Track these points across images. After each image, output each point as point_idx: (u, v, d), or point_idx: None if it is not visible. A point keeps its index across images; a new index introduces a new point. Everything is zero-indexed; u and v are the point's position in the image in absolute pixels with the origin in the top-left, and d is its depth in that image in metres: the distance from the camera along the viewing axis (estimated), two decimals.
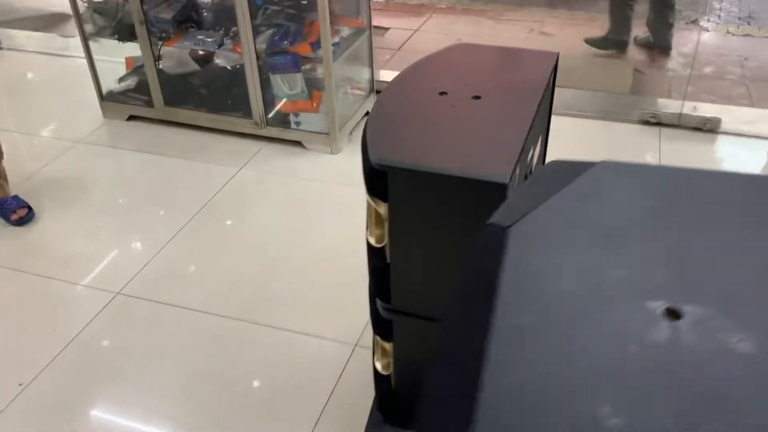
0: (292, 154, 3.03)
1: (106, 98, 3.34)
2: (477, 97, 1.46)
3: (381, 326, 1.51)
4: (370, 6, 3.09)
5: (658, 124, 3.10)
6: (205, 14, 3.11)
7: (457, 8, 5.32)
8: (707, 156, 2.97)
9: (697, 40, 4.43)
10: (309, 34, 2.83)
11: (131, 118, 3.32)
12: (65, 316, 2.21)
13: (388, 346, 1.55)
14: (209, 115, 3.18)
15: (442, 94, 1.49)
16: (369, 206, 1.42)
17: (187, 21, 3.07)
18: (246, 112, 3.07)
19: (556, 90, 1.68)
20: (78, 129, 3.27)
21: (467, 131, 1.35)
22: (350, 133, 3.12)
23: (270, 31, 2.92)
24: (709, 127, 3.05)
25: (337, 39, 2.83)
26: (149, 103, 3.24)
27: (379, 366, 1.62)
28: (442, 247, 1.32)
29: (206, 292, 2.28)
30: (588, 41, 4.11)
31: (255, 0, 2.77)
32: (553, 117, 1.77)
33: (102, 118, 3.34)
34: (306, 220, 2.63)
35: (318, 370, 1.98)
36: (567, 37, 4.56)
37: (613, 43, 4.10)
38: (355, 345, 2.05)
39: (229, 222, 2.63)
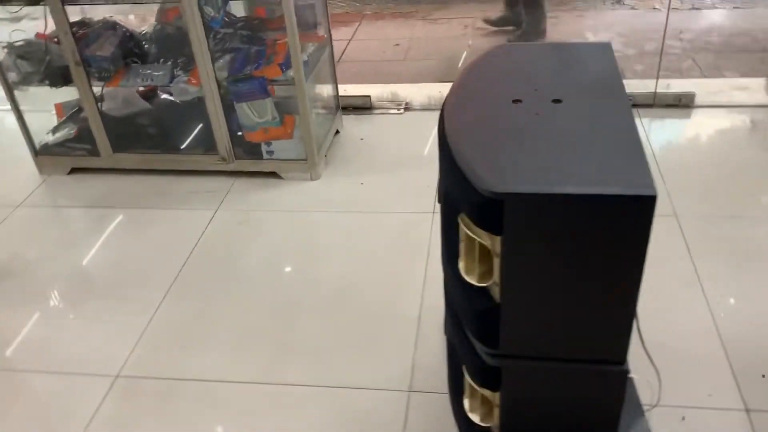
0: (268, 187, 2.77)
1: (41, 152, 2.95)
2: (557, 101, 1.30)
3: (486, 375, 1.31)
4: (328, 18, 2.88)
5: (634, 105, 3.06)
6: (146, 46, 2.80)
7: (384, 13, 5.17)
8: (689, 129, 2.96)
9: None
10: (275, 55, 2.59)
11: (74, 171, 2.95)
12: (63, 414, 1.87)
13: (492, 394, 1.35)
14: (167, 156, 2.86)
15: (516, 102, 1.31)
16: (467, 240, 1.23)
17: (129, 56, 2.74)
18: (210, 147, 2.79)
19: None
20: (13, 192, 2.87)
21: (575, 140, 1.18)
22: (325, 156, 2.89)
23: (227, 57, 2.66)
24: (684, 102, 3.04)
25: (305, 57, 2.60)
26: (93, 152, 2.88)
27: (476, 417, 1.43)
28: (568, 276, 1.14)
29: (218, 358, 2.00)
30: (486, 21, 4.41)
31: (212, 23, 2.50)
32: None
33: (39, 176, 2.95)
34: (306, 256, 2.39)
35: (378, 427, 1.76)
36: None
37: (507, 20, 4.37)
38: (409, 390, 1.84)
39: (221, 272, 2.34)
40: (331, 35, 2.92)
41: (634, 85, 3.16)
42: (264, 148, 2.76)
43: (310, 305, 2.16)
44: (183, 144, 2.85)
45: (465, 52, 4.25)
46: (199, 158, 2.82)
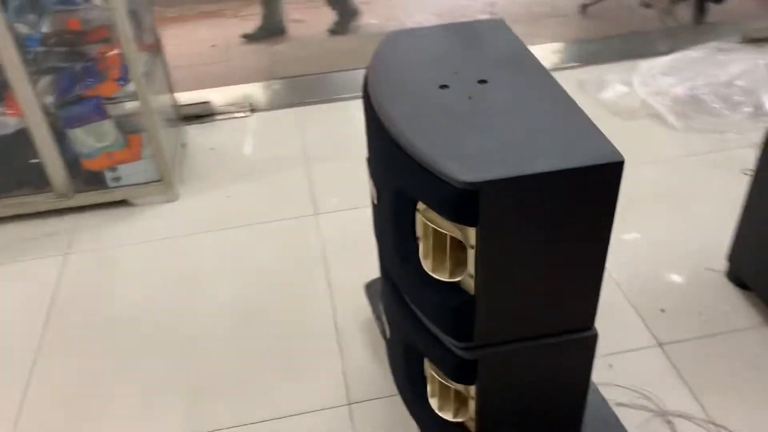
0: (121, 218, 2.47)
1: None
2: (483, 81, 1.27)
3: (462, 370, 1.26)
4: (154, 23, 2.62)
5: None
6: None
7: (189, 15, 4.86)
8: None
9: None
10: (108, 70, 2.30)
11: None
12: None
13: (466, 388, 1.31)
14: None
15: (443, 87, 1.26)
16: (434, 236, 1.16)
17: None
18: (41, 184, 2.41)
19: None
20: None
21: (522, 119, 1.16)
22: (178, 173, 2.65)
23: (47, 79, 2.31)
24: None
25: (143, 67, 2.33)
26: None
27: (449, 415, 1.37)
28: (543, 254, 1.12)
29: (126, 420, 1.74)
30: (245, 36, 4.27)
31: (27, 42, 2.14)
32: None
33: None
34: (189, 286, 2.16)
35: None
36: (316, 19, 4.44)
37: (268, 30, 4.29)
38: (349, 403, 1.74)
39: (94, 323, 2.04)
40: (161, 42, 2.67)
41: None
42: (109, 175, 2.44)
43: (212, 339, 1.96)
44: (7, 185, 2.44)
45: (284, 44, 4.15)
46: (31, 199, 2.43)
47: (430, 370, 1.39)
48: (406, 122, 1.16)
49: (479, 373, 1.26)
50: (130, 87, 2.28)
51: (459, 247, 1.14)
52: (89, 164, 2.42)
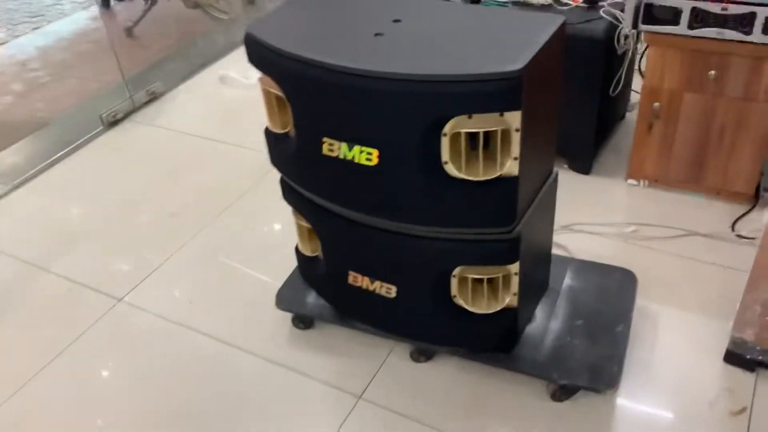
0: None
1: None
2: (398, 21, 1.41)
3: (512, 251, 1.44)
4: None
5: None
6: None
7: None
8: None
9: None
10: None
11: None
12: None
13: (509, 269, 1.48)
14: None
15: (377, 35, 1.35)
16: (465, 148, 1.29)
17: None
18: None
19: None
20: None
21: (477, 26, 1.37)
22: None
23: None
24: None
25: None
26: None
27: (483, 309, 1.53)
28: (554, 111, 1.41)
29: None
30: None
31: None
32: None
33: None
34: None
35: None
36: None
37: None
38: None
39: None
40: None
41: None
42: None
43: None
44: None
45: None
46: None
47: (461, 279, 1.50)
48: (386, 63, 1.25)
49: (522, 246, 1.46)
50: None
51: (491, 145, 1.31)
52: None
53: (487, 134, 1.30)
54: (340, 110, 1.34)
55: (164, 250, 2.22)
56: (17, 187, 2.64)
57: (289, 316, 1.89)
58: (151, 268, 2.15)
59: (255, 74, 1.48)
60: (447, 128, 1.28)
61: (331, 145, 1.39)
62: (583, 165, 2.37)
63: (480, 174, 1.33)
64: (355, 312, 1.75)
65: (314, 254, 1.76)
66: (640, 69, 2.35)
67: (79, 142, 2.86)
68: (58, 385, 1.79)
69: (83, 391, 1.78)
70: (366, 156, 1.37)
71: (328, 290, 1.79)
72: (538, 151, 1.43)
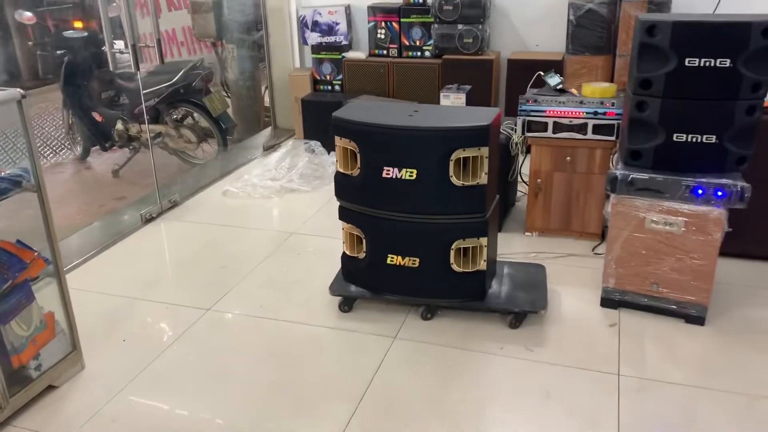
0: (51, 410, 2.33)
1: None
2: (416, 111, 2.68)
3: (485, 228, 2.63)
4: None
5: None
6: None
7: None
8: None
9: None
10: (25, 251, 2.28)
11: None
12: None
13: (481, 241, 2.66)
14: None
15: (410, 115, 2.61)
16: (463, 168, 2.53)
17: None
18: None
19: None
20: None
21: (461, 114, 2.67)
22: None
23: None
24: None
25: None
26: None
27: (468, 268, 2.68)
28: (498, 154, 2.67)
29: None
30: None
31: None
32: None
33: None
34: None
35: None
36: None
37: None
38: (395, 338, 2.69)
39: None
40: None
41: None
42: (32, 364, 2.33)
43: None
44: None
45: None
46: None
47: (456, 251, 2.65)
48: (428, 122, 2.51)
49: (488, 227, 2.66)
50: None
51: (473, 166, 2.55)
52: (19, 360, 2.27)
53: (472, 159, 2.55)
54: (395, 149, 2.54)
55: (225, 287, 3.17)
56: (90, 258, 3.48)
57: (335, 305, 2.89)
58: (221, 294, 3.08)
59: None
60: (453, 156, 2.52)
61: (388, 170, 2.57)
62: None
63: (469, 182, 2.55)
64: (387, 287, 2.81)
65: (357, 254, 2.84)
66: (520, 173, 3.79)
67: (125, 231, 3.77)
68: (187, 353, 2.65)
69: (204, 358, 2.65)
70: (408, 173, 2.55)
71: (365, 278, 2.84)
72: (494, 175, 2.69)
